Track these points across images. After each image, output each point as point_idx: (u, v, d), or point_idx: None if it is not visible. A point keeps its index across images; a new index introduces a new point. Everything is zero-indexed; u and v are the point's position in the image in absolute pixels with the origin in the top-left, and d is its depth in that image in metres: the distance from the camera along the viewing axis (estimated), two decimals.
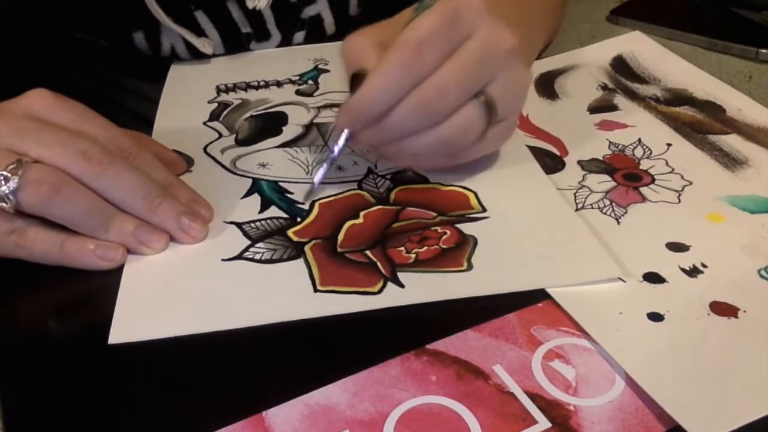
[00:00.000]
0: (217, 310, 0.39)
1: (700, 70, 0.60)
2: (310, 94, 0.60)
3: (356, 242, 0.43)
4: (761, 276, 0.40)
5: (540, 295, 0.39)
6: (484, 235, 0.43)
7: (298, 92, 0.60)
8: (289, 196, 0.48)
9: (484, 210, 0.45)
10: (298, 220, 0.46)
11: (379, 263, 0.42)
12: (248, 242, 0.44)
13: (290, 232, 0.45)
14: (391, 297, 0.39)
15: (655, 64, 0.61)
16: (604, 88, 0.59)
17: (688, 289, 0.39)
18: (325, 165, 0.47)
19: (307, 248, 0.43)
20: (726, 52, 0.62)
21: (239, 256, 0.43)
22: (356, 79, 0.43)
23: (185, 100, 0.60)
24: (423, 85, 0.42)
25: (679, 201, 0.46)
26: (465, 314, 0.39)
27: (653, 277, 0.40)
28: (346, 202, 0.47)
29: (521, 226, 0.44)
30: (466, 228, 0.44)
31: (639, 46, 0.64)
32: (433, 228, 0.44)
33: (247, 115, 0.58)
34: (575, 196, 0.47)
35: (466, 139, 0.44)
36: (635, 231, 0.44)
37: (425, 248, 0.42)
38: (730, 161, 0.49)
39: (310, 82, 0.62)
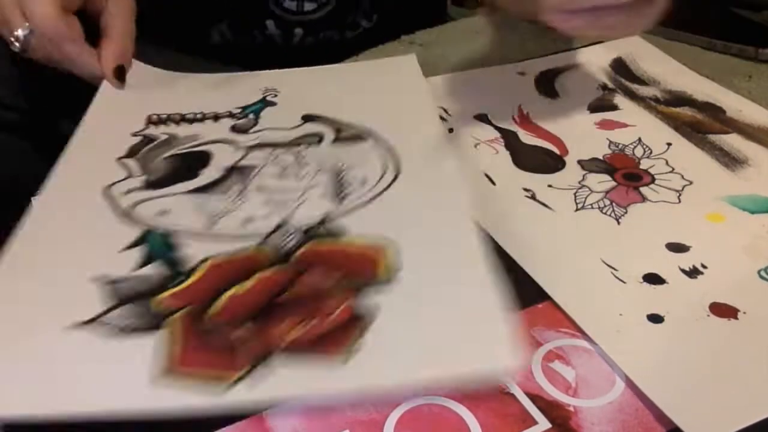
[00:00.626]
0: (50, 390, 0.34)
1: (700, 76, 0.60)
2: (246, 131, 0.54)
3: (235, 314, 0.38)
4: (761, 277, 0.40)
5: (540, 296, 0.39)
6: (381, 311, 0.37)
7: (233, 128, 0.55)
8: (179, 251, 0.42)
9: (391, 278, 0.39)
10: (178, 281, 0.40)
11: (251, 343, 0.36)
12: (111, 303, 0.39)
13: (162, 296, 0.39)
14: (250, 389, 0.34)
15: (654, 67, 0.61)
16: (604, 87, 0.59)
17: (688, 290, 0.39)
18: None
19: (173, 318, 0.38)
20: (726, 52, 0.62)
21: (94, 320, 0.38)
22: None
23: (108, 127, 0.55)
24: None
25: (679, 201, 0.46)
26: None
27: (653, 278, 0.40)
28: (241, 263, 0.41)
29: (426, 301, 0.38)
30: (366, 299, 0.38)
31: (638, 49, 0.64)
32: (328, 300, 0.38)
33: (169, 153, 0.52)
34: (575, 196, 0.47)
35: None
36: (635, 231, 0.44)
37: (309, 326, 0.37)
38: (731, 161, 0.49)
39: (250, 116, 0.56)
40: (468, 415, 0.33)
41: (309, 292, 0.39)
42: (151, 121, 0.56)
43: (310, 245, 0.42)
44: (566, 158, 0.51)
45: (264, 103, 0.58)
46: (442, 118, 0.55)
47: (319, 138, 0.52)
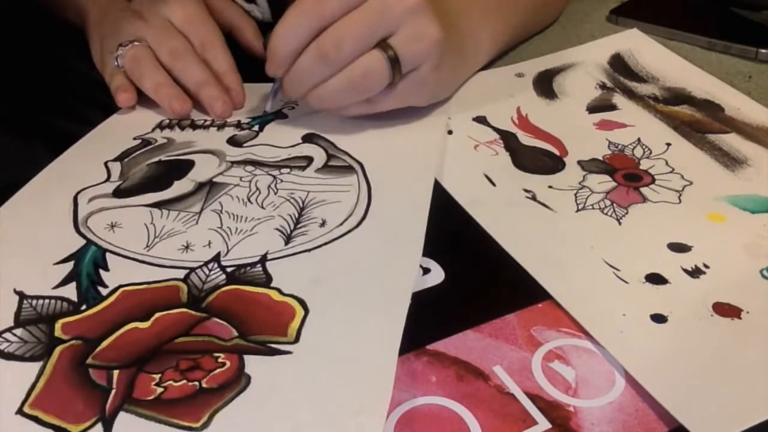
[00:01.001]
0: None
1: (699, 69, 0.60)
2: (241, 144, 0.53)
3: (118, 354, 0.36)
4: (763, 276, 0.40)
5: (540, 296, 0.39)
6: (264, 378, 0.35)
7: (231, 139, 0.54)
8: (101, 273, 0.41)
9: (296, 341, 0.36)
10: (83, 308, 0.39)
11: (114, 391, 0.34)
12: (11, 324, 0.38)
13: (59, 323, 0.38)
14: None
15: (653, 63, 0.61)
16: (603, 87, 0.59)
17: (690, 290, 0.39)
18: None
19: (58, 349, 0.36)
20: (725, 51, 0.62)
21: None
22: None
23: (118, 130, 0.55)
24: (322, 34, 0.47)
25: (680, 201, 0.46)
26: (465, 314, 0.38)
27: (655, 278, 0.40)
28: (152, 296, 0.40)
29: (313, 378, 0.34)
30: (255, 362, 0.35)
31: (637, 44, 0.64)
32: (216, 355, 0.36)
33: (156, 159, 0.52)
34: (576, 197, 0.46)
35: (372, 85, 0.49)
36: (636, 232, 0.43)
37: (182, 383, 0.34)
38: (730, 161, 0.49)
39: (255, 128, 0.55)
40: (468, 415, 0.33)
41: (201, 343, 0.37)
42: (160, 126, 0.56)
43: (229, 290, 0.40)
44: (566, 159, 0.50)
45: (275, 115, 0.57)
46: None
47: (308, 162, 0.51)
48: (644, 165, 0.49)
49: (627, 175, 0.48)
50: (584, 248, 0.42)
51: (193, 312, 0.39)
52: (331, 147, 0.52)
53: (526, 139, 0.53)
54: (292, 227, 0.44)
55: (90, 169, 0.50)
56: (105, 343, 0.37)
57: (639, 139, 0.52)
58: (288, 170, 0.50)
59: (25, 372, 0.35)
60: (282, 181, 0.49)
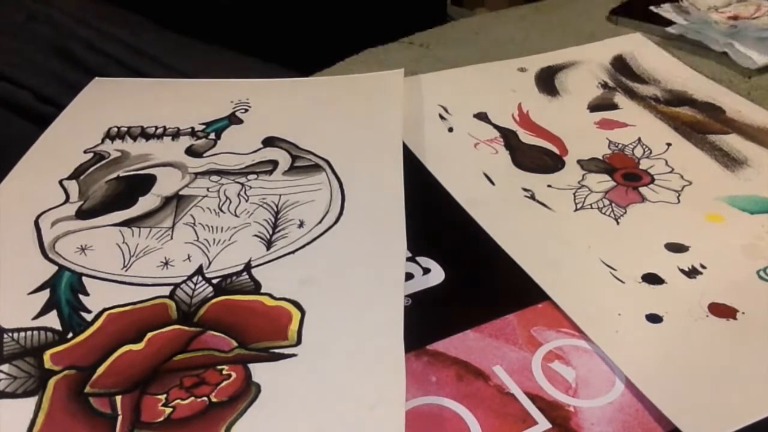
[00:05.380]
0: None
1: (700, 74, 0.60)
2: (201, 154, 0.51)
3: (116, 380, 0.35)
4: (760, 277, 0.40)
5: (540, 296, 0.39)
6: (274, 384, 0.34)
7: (189, 149, 0.52)
8: (81, 298, 0.39)
9: (297, 344, 0.36)
10: (69, 335, 0.37)
11: (120, 418, 0.33)
12: None
13: (48, 354, 0.36)
14: None
15: (654, 66, 0.61)
16: (605, 86, 0.59)
17: (686, 290, 0.39)
18: None
19: (52, 381, 0.35)
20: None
21: None
22: None
23: (65, 141, 0.52)
24: None
25: (679, 201, 0.46)
26: (465, 314, 0.39)
27: (652, 278, 0.40)
28: (140, 317, 0.38)
29: (323, 379, 0.34)
30: (261, 369, 0.35)
31: (639, 47, 0.64)
32: (219, 367, 0.35)
33: (114, 175, 0.49)
34: (575, 196, 0.47)
35: None
36: (634, 231, 0.44)
37: (190, 400, 0.34)
38: (730, 161, 0.50)
39: (211, 135, 0.53)
40: (468, 415, 0.33)
41: (201, 358, 0.36)
42: (109, 135, 0.53)
43: (218, 301, 0.39)
44: (566, 158, 0.51)
45: (230, 120, 0.55)
46: (441, 116, 0.55)
47: (274, 166, 0.50)
48: (644, 165, 0.50)
49: (626, 174, 0.49)
50: (581, 248, 0.43)
51: (186, 328, 0.38)
52: (293, 148, 0.52)
53: (526, 137, 0.53)
54: (271, 232, 0.44)
55: (44, 189, 0.48)
56: (101, 370, 0.35)
57: (639, 139, 0.52)
58: (255, 176, 0.49)
59: (21, 409, 0.33)
60: (251, 187, 0.48)
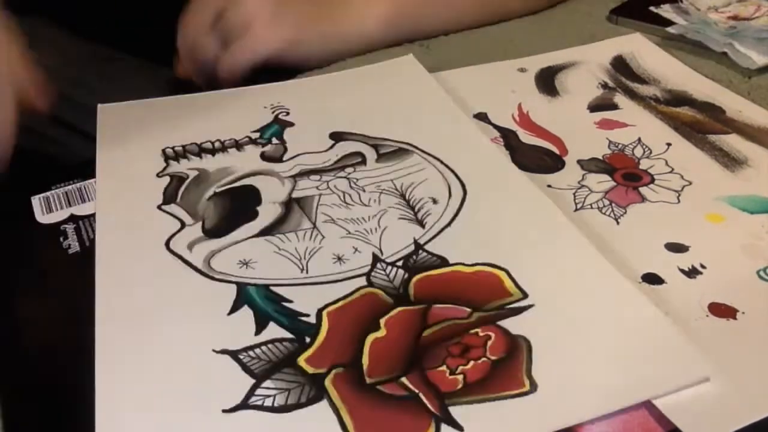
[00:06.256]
0: None
1: (700, 74, 0.60)
2: (279, 159, 0.50)
3: (387, 366, 0.34)
4: (760, 277, 0.40)
5: None
6: (536, 334, 0.35)
7: (263, 156, 0.51)
8: (287, 305, 0.38)
9: (525, 295, 0.38)
10: (307, 340, 0.36)
11: (422, 395, 0.33)
12: (252, 381, 0.34)
13: (302, 360, 0.35)
14: None
15: (654, 66, 0.61)
16: (605, 86, 0.59)
17: (686, 290, 0.39)
18: None
19: (328, 383, 0.34)
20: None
21: (244, 404, 0.33)
22: None
23: (125, 171, 0.50)
24: None
25: (679, 201, 0.46)
26: None
27: (652, 278, 0.40)
28: (360, 307, 0.38)
29: (577, 316, 0.36)
30: (512, 325, 0.36)
31: (639, 48, 0.64)
32: (473, 331, 0.36)
33: (210, 192, 0.47)
34: (574, 196, 0.47)
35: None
36: (634, 231, 0.44)
37: (471, 363, 0.34)
38: (730, 161, 0.49)
39: (274, 141, 0.52)
40: None
41: (449, 328, 0.36)
42: (168, 156, 0.51)
43: (419, 278, 0.39)
44: (566, 158, 0.51)
45: (279, 123, 0.54)
46: None
47: (362, 157, 0.50)
48: (644, 165, 0.49)
49: (626, 174, 0.49)
50: (581, 247, 0.42)
51: (410, 308, 0.38)
52: (366, 138, 0.52)
53: (526, 137, 0.53)
54: (413, 212, 0.45)
55: (148, 218, 0.45)
56: (366, 361, 0.35)
57: (639, 139, 0.52)
58: (351, 169, 0.49)
59: (318, 416, 0.32)
60: (357, 179, 0.48)
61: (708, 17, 0.64)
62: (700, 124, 0.54)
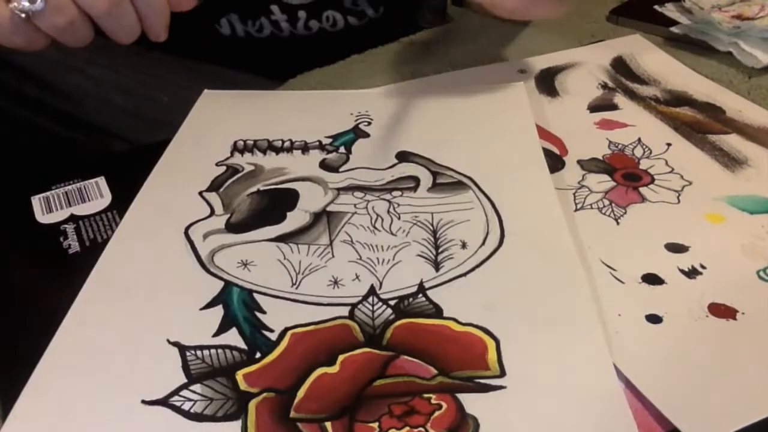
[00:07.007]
0: None
1: (700, 75, 0.60)
2: (336, 169, 0.50)
3: (320, 405, 0.33)
4: (760, 277, 0.40)
5: None
6: (489, 419, 0.32)
7: (323, 164, 0.50)
8: (258, 315, 0.38)
9: (502, 374, 0.34)
10: (257, 355, 0.35)
11: None
12: (184, 380, 0.34)
13: (240, 374, 0.34)
14: None
15: (654, 67, 0.61)
16: (605, 86, 0.59)
17: (686, 290, 0.39)
18: None
19: (252, 404, 0.33)
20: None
21: (164, 401, 0.33)
22: None
23: (193, 155, 0.52)
24: None
25: (679, 201, 0.46)
26: None
27: (652, 279, 0.40)
28: (326, 337, 0.36)
29: (546, 412, 0.33)
30: (471, 401, 0.33)
31: (639, 49, 0.64)
32: (426, 396, 0.33)
33: (254, 188, 0.48)
34: (574, 196, 0.47)
35: None
36: (634, 232, 0.44)
37: (405, 429, 0.32)
38: (730, 161, 0.49)
39: (342, 149, 0.52)
40: None
41: (404, 384, 0.34)
42: (237, 148, 0.52)
43: (403, 324, 0.37)
44: (566, 158, 0.51)
45: (356, 133, 0.53)
46: None
47: (416, 182, 0.48)
48: (644, 165, 0.49)
49: (626, 174, 0.49)
50: (581, 248, 0.42)
51: (377, 351, 0.35)
52: (431, 164, 0.50)
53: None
54: (434, 252, 0.42)
55: (184, 200, 0.47)
56: (301, 393, 0.33)
57: (639, 139, 0.52)
58: (399, 193, 0.47)
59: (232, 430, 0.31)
60: (399, 204, 0.46)
61: (712, 17, 0.64)
62: (700, 124, 0.54)
